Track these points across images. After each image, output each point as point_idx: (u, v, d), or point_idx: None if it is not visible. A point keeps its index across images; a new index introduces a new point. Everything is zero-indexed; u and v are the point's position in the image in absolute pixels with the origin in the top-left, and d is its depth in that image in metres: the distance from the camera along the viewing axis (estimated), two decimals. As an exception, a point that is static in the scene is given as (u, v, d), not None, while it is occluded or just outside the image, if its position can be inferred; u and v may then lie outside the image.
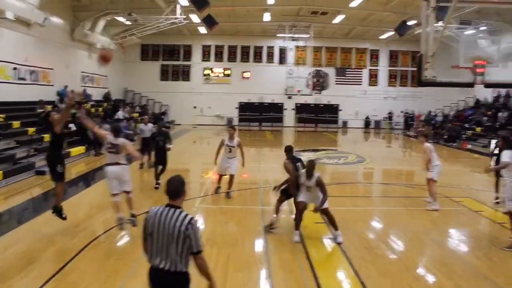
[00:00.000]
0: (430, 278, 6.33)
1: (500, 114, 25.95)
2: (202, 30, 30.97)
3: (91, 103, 24.59)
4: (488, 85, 16.17)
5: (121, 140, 7.86)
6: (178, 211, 3.55)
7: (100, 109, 24.80)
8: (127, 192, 7.84)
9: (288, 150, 8.49)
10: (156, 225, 3.53)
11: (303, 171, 7.78)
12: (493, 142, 16.72)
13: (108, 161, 7.86)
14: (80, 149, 17.29)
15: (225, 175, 10.73)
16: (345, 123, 36.08)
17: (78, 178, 13.57)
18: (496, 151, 10.07)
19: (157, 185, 11.45)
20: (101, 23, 25.69)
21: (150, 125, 15.32)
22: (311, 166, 7.58)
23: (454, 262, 6.96)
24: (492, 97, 28.97)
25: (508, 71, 17.40)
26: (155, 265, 3.54)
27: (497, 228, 8.50)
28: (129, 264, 6.40)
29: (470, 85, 16.02)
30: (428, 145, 10.10)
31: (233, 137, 10.57)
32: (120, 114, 24.05)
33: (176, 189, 3.63)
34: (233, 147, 10.55)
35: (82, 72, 25.65)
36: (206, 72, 35.61)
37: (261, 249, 7.39)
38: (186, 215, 3.54)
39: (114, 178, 7.70)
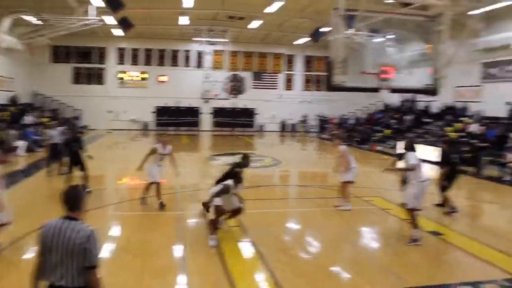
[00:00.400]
0: (344, 276, 6.58)
1: (406, 117, 27.74)
2: (117, 32, 30.02)
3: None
4: (393, 90, 17.19)
5: None
6: (76, 223, 3.38)
7: (6, 113, 23.61)
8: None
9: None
10: (51, 239, 3.33)
11: (231, 182, 7.72)
12: (400, 144, 17.76)
13: None
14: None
15: (153, 183, 10.17)
16: (261, 126, 36.56)
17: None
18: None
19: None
20: (7, 22, 24.09)
21: (59, 129, 14.75)
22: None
23: (365, 259, 7.29)
24: (399, 101, 30.82)
25: (412, 77, 18.61)
26: (53, 282, 3.34)
27: (403, 225, 8.99)
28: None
29: (376, 90, 16.93)
30: (343, 147, 10.37)
31: (166, 144, 10.21)
32: (27, 119, 23.14)
33: (73, 200, 3.44)
34: (166, 155, 10.20)
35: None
36: (121, 75, 34.71)
37: (177, 255, 7.27)
38: (86, 227, 3.38)
39: None
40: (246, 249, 7.58)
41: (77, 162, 11.25)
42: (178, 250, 7.46)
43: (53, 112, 30.60)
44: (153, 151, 9.95)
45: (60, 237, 3.31)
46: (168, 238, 8.03)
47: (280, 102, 36.63)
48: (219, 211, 7.72)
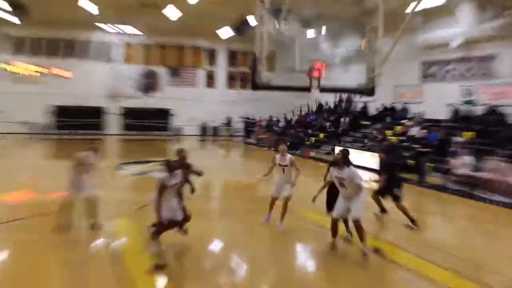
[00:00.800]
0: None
1: (342, 119, 28.15)
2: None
3: None
4: (323, 90, 17.30)
5: None
6: None
7: None
8: None
9: None
10: None
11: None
12: (337, 149, 17.89)
13: None
14: None
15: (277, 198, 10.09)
16: (178, 130, 36.15)
17: None
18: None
19: None
20: None
21: None
22: None
23: (299, 284, 7.14)
24: (333, 102, 31.44)
25: (348, 75, 18.92)
26: None
27: (339, 242, 8.91)
28: None
29: (307, 89, 16.98)
30: (291, 156, 10.14)
31: (284, 154, 10.01)
32: None
33: None
34: (286, 166, 9.97)
35: None
36: (3, 66, 32.98)
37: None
38: None
39: None
40: (159, 278, 7.13)
41: None
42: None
43: None
44: (273, 164, 10.04)
45: None
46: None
47: (199, 102, 36.44)
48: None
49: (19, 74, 33.14)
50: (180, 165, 8.14)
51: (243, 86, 37.77)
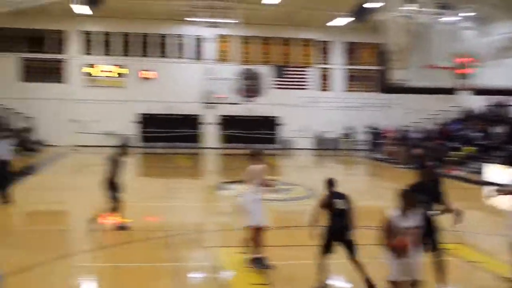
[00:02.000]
0: None
1: (495, 128, 27.07)
2: (81, 9, 29.80)
3: None
4: (474, 91, 16.67)
5: None
6: None
7: None
8: None
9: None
10: None
11: None
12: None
13: None
14: None
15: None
16: (288, 142, 36.40)
17: None
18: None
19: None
20: None
21: (5, 143, 15.01)
22: None
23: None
24: (484, 106, 30.20)
25: (502, 71, 18.27)
26: None
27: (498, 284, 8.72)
28: None
29: (451, 91, 16.47)
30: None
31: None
32: None
33: None
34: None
35: None
36: (88, 70, 35.00)
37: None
38: None
39: None
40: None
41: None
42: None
43: None
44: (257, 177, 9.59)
45: None
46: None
47: (312, 108, 36.43)
48: None
49: (102, 77, 35.12)
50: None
51: (366, 88, 37.53)
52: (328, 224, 8.11)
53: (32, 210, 11.57)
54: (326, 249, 8.14)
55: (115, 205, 11.78)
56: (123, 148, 12.60)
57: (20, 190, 15.70)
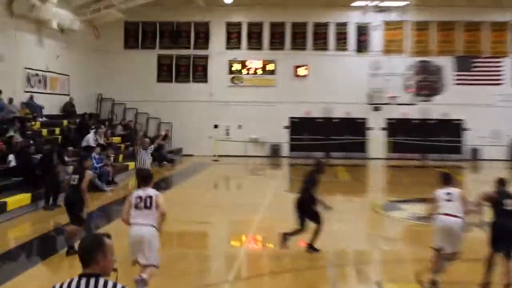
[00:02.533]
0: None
1: None
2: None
3: (40, 119, 24.47)
4: None
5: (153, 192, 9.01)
6: (93, 280, 3.83)
7: (57, 130, 24.69)
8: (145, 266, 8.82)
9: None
10: None
11: None
12: None
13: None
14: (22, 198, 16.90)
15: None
16: (475, 152, 34.25)
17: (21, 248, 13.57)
18: None
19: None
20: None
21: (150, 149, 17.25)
22: None
23: None
24: None
25: None
26: None
27: None
28: None
29: None
30: None
31: None
32: (90, 138, 23.54)
33: (86, 252, 3.93)
34: None
35: (26, 68, 25.42)
36: (235, 67, 34.83)
37: None
38: (107, 282, 3.81)
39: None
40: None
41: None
42: None
43: (127, 127, 31.16)
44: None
45: None
46: None
47: (508, 108, 33.91)
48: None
49: (252, 74, 34.90)
50: None
51: None
52: (493, 221, 9.27)
53: (167, 230, 11.12)
54: (495, 246, 9.13)
55: (299, 229, 11.96)
56: (319, 165, 12.78)
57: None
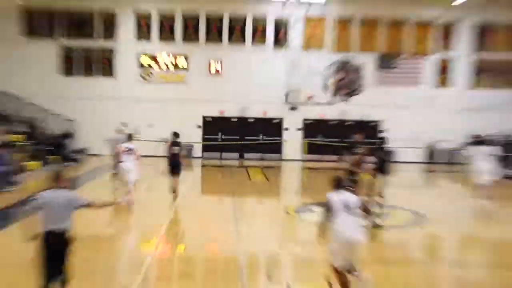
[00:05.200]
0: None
1: None
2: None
3: None
4: None
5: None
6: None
7: None
8: None
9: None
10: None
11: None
12: None
13: None
14: None
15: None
16: (391, 153, 34.21)
17: None
18: None
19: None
20: None
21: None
22: None
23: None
24: None
25: None
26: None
27: None
28: None
29: None
30: None
31: None
32: None
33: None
34: None
35: None
36: (146, 61, 34.89)
37: None
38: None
39: None
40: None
41: None
42: None
43: (31, 125, 30.68)
44: None
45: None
46: None
47: (426, 109, 35.43)
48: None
49: (163, 70, 35.09)
50: None
51: (496, 84, 36.15)
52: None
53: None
54: None
55: None
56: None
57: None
